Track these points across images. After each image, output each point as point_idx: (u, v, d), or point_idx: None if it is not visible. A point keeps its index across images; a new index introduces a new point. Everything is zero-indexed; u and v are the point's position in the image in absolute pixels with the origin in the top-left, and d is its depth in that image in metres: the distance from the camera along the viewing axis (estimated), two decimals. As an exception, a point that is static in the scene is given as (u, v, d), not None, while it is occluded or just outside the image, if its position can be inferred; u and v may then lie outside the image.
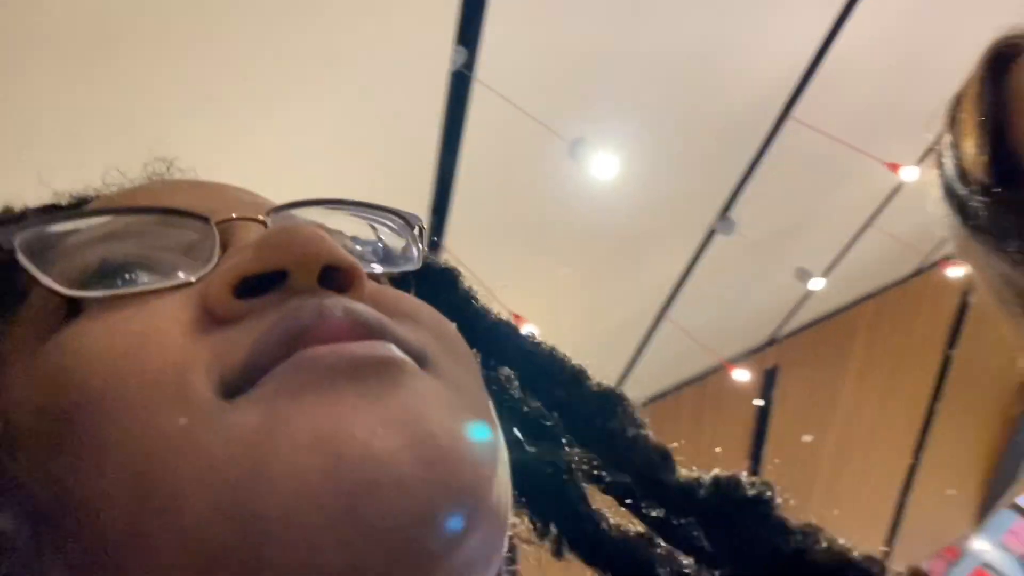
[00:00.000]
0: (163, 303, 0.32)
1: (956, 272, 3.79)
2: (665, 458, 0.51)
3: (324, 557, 0.26)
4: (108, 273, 0.34)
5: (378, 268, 0.40)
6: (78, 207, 0.43)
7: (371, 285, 0.34)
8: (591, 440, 0.52)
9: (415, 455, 0.27)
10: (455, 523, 0.27)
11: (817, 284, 4.70)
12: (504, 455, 0.33)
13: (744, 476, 0.51)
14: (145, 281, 0.34)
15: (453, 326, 0.37)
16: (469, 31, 2.54)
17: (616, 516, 0.52)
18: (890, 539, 7.72)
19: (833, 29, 3.40)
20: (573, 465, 0.52)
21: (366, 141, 2.59)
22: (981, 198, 0.70)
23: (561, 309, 3.74)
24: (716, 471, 0.51)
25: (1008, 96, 0.71)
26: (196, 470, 0.27)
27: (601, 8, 2.78)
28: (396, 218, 0.42)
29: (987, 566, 10.69)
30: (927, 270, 6.31)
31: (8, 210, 0.43)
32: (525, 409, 0.52)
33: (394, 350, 0.30)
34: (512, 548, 0.46)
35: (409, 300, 0.36)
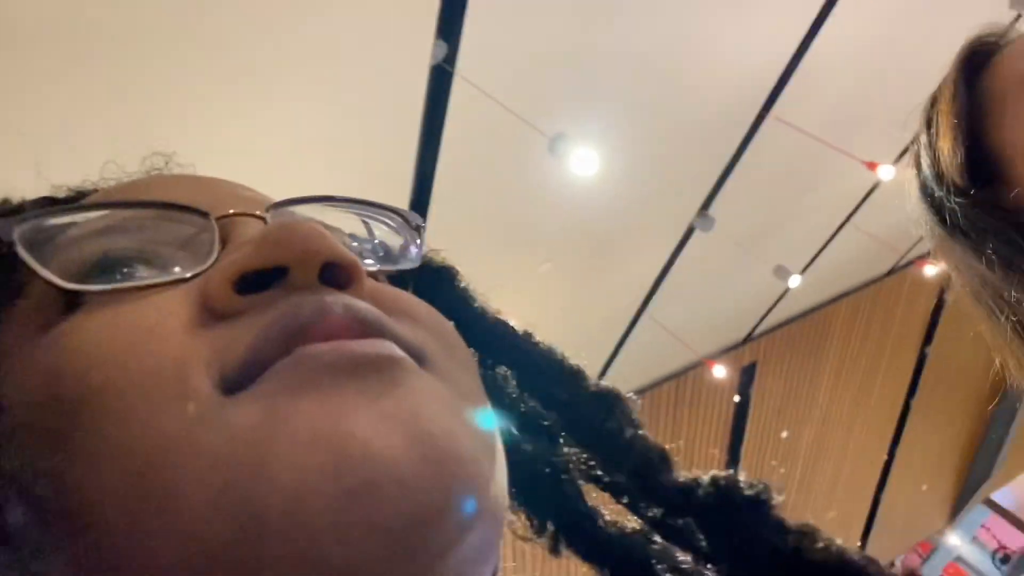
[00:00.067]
0: (163, 298, 0.32)
1: (932, 270, 3.84)
2: (663, 458, 0.51)
3: (324, 555, 0.26)
4: (107, 267, 0.34)
5: (376, 266, 0.39)
6: (76, 200, 0.43)
7: (370, 283, 0.34)
8: (589, 440, 0.52)
9: (415, 454, 0.27)
10: (454, 521, 0.27)
11: (795, 281, 4.73)
12: (501, 454, 0.33)
13: (743, 476, 0.51)
14: (144, 275, 0.34)
15: (451, 325, 0.37)
16: (450, 25, 2.53)
17: (612, 513, 0.52)
18: (865, 534, 7.81)
19: (812, 28, 3.43)
20: (571, 464, 0.52)
21: (346, 136, 2.58)
22: (957, 199, 0.70)
23: (541, 305, 3.75)
24: (714, 472, 0.51)
25: (982, 97, 0.72)
26: (196, 468, 0.26)
27: (583, 4, 2.78)
28: (395, 216, 0.42)
29: (960, 560, 10.86)
30: (903, 268, 6.38)
31: (7, 202, 0.43)
32: (523, 408, 0.52)
33: (394, 348, 0.30)
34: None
35: (408, 298, 0.36)
